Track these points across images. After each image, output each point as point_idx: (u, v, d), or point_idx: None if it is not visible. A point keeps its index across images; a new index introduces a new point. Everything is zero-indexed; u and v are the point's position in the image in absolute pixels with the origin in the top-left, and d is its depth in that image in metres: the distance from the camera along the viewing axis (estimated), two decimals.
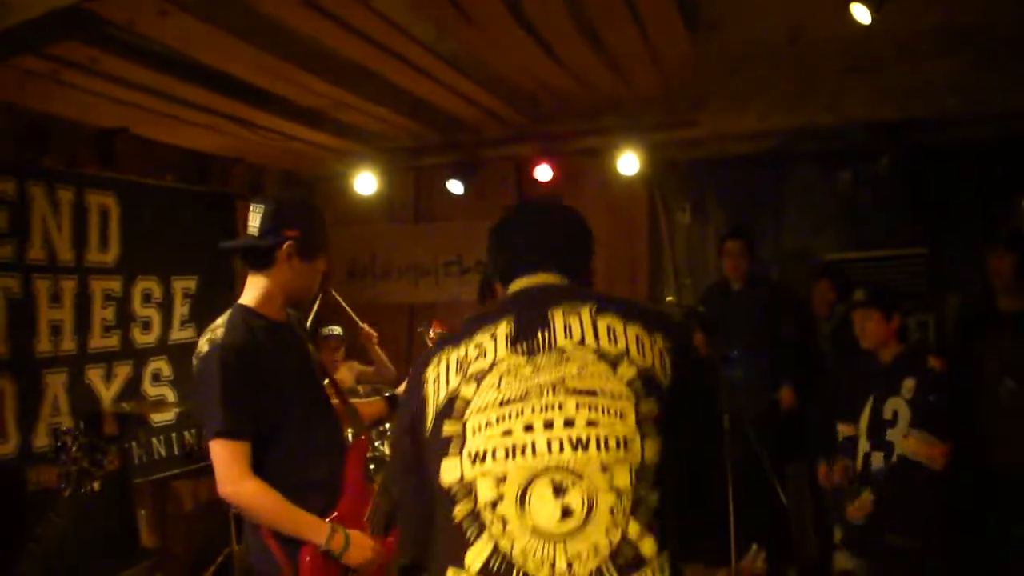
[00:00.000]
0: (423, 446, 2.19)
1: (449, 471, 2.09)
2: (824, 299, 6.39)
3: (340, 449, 3.31)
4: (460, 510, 2.06)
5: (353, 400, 3.74)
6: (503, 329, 2.22)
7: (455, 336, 2.29)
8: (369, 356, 7.01)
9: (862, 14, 4.56)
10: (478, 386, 2.14)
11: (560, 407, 2.06)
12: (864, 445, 4.59)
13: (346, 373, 6.99)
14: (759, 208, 7.33)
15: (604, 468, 2.00)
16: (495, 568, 1.99)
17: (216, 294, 6.53)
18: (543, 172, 7.23)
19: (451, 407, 2.15)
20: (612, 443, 2.02)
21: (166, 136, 6.33)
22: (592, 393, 2.07)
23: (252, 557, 3.12)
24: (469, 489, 2.06)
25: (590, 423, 2.04)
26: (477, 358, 2.19)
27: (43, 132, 5.60)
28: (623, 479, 2.00)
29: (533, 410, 2.07)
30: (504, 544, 2.00)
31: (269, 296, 3.18)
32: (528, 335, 2.18)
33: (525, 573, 1.97)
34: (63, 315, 5.58)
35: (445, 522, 2.09)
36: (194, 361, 3.07)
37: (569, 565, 1.95)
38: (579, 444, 2.02)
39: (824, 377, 5.54)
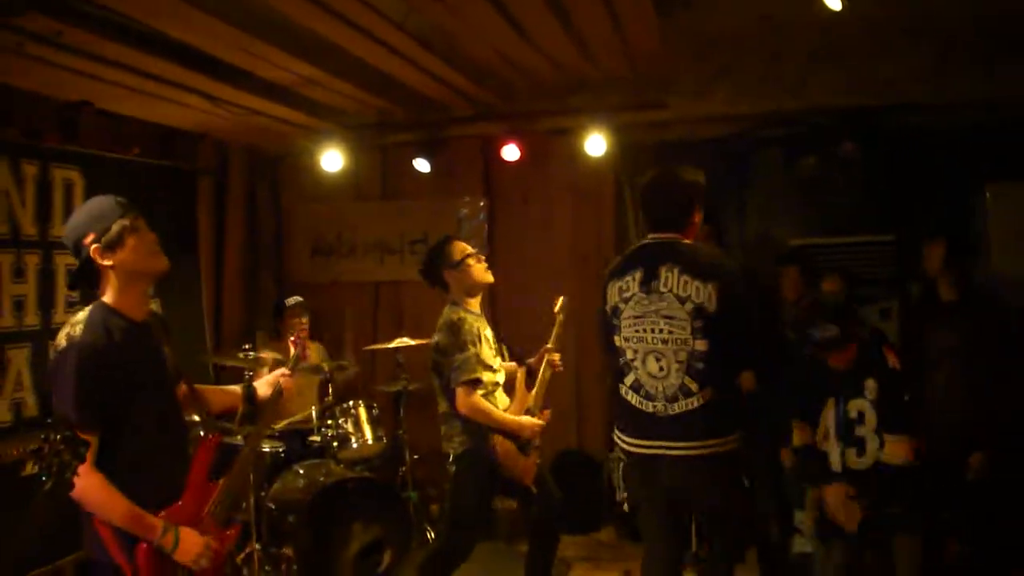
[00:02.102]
0: (610, 324, 4.20)
1: (616, 341, 4.18)
2: (793, 285, 6.41)
3: (185, 448, 3.47)
4: (622, 360, 4.15)
5: (209, 388, 3.94)
6: (637, 275, 4.09)
7: (619, 271, 4.19)
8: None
9: (833, 1, 4.60)
10: (625, 305, 4.12)
11: (656, 322, 4.01)
12: (836, 444, 4.63)
13: (313, 352, 6.94)
14: (725, 192, 7.35)
15: (675, 352, 3.97)
16: (635, 385, 4.11)
17: (180, 269, 6.49)
18: (510, 152, 7.23)
19: (616, 311, 4.16)
20: (678, 341, 3.96)
21: (131, 110, 6.27)
22: (671, 318, 3.98)
23: (89, 550, 3.22)
24: (623, 352, 4.14)
25: (669, 331, 3.98)
26: (625, 290, 4.13)
27: (6, 105, 5.53)
28: (683, 357, 3.96)
29: (646, 321, 4.04)
30: (641, 376, 4.08)
31: (120, 291, 3.26)
32: (647, 282, 4.05)
33: (646, 390, 4.06)
34: (26, 290, 5.53)
35: (616, 362, 4.21)
36: (51, 352, 3.20)
37: (662, 389, 4.01)
38: (664, 341, 3.99)
39: (787, 362, 5.58)
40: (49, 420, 2.54)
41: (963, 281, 5.13)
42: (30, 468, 5.13)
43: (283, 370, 3.96)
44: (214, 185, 7.73)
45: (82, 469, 2.48)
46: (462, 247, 5.10)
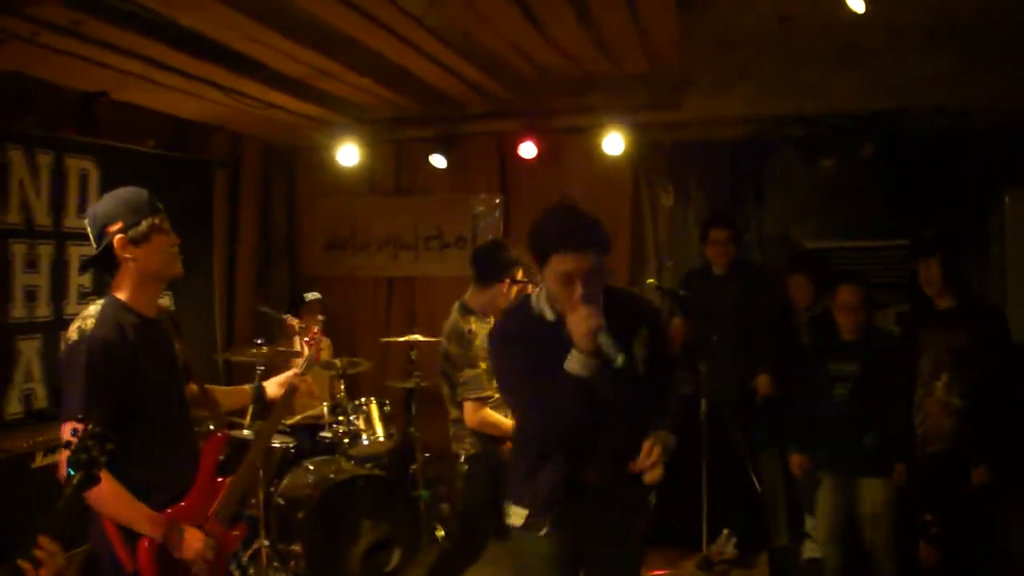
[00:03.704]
0: None
1: None
2: (801, 292, 6.35)
3: (194, 446, 3.45)
4: None
5: (219, 388, 3.92)
6: None
7: None
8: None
9: (856, 3, 4.55)
10: None
11: None
12: None
13: (324, 349, 6.94)
14: (742, 193, 7.31)
15: None
16: None
17: (194, 260, 6.43)
18: (527, 149, 7.19)
19: None
20: None
21: (147, 101, 6.25)
22: None
23: (94, 544, 3.21)
24: None
25: None
26: None
27: (23, 95, 5.51)
28: None
29: None
30: None
31: (135, 288, 3.24)
32: None
33: None
34: (39, 280, 5.50)
35: None
36: (62, 345, 3.17)
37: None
38: None
39: (802, 366, 5.54)
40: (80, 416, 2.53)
41: (960, 289, 5.02)
42: (40, 459, 5.12)
43: (295, 369, 3.95)
44: (228, 178, 7.70)
45: None
46: (520, 273, 4.99)
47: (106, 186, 5.83)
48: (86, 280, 5.75)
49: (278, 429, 5.78)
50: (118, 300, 3.22)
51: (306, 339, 4.25)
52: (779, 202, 7.31)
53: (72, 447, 2.42)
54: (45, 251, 5.54)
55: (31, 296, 5.46)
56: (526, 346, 3.30)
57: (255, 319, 7.81)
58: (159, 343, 3.34)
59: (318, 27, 5.03)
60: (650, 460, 3.15)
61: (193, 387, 3.61)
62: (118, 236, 3.15)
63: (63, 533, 2.41)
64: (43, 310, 5.53)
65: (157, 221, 3.22)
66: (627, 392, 3.24)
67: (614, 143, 6.82)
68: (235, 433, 5.25)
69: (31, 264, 5.45)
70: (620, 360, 2.99)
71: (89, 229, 3.24)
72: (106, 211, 3.23)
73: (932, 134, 6.65)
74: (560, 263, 3.14)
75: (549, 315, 3.30)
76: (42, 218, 5.52)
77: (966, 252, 5.56)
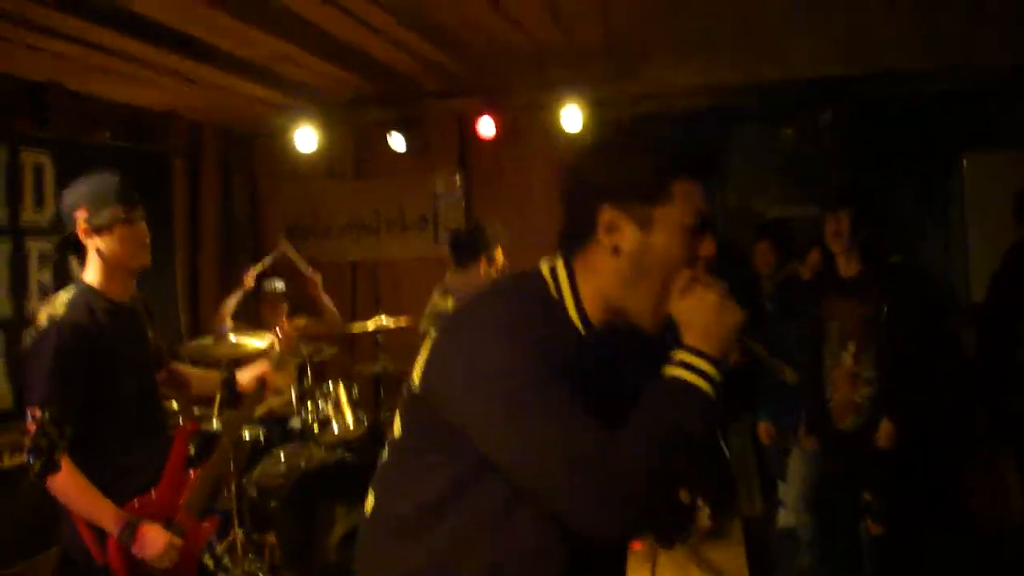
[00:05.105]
0: None
1: None
2: (765, 260, 6.37)
3: (163, 437, 3.43)
4: None
5: (191, 370, 3.97)
6: None
7: None
8: (316, 305, 6.95)
9: None
10: None
11: None
12: None
13: (291, 332, 6.90)
14: None
15: None
16: None
17: (156, 251, 6.36)
18: (486, 126, 7.17)
19: None
20: None
21: (101, 90, 6.17)
22: None
23: (65, 541, 3.20)
24: None
25: None
26: None
27: None
28: None
29: None
30: None
31: (103, 274, 3.24)
32: None
33: None
34: None
35: None
36: (31, 332, 3.16)
37: None
38: None
39: (767, 334, 5.54)
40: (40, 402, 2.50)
41: (867, 253, 4.76)
42: (7, 460, 5.06)
43: (266, 362, 3.91)
44: (188, 167, 7.62)
45: None
46: (499, 252, 4.96)
47: (62, 180, 5.75)
48: (46, 276, 5.67)
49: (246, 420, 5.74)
50: (89, 286, 3.21)
51: (276, 331, 4.14)
52: (741, 172, 7.33)
53: (31, 433, 2.38)
54: (3, 248, 5.46)
55: None
56: (560, 356, 1.87)
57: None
58: (131, 329, 3.33)
59: (272, 8, 4.97)
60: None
61: (163, 373, 3.60)
62: (82, 223, 3.14)
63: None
64: (3, 308, 5.46)
65: (121, 213, 3.19)
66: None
67: (572, 117, 6.80)
68: (204, 426, 5.22)
69: None
70: (790, 375, 2.18)
71: (62, 214, 3.24)
72: (72, 195, 3.23)
73: (890, 98, 6.68)
74: (691, 196, 1.93)
75: (578, 323, 1.97)
76: None
77: (907, 216, 5.50)
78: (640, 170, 1.92)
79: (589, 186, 1.95)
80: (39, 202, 5.67)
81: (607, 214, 1.89)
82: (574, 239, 1.97)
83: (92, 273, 3.23)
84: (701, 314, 1.88)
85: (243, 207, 8.33)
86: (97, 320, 3.13)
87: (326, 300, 6.91)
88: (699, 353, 1.85)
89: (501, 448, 1.85)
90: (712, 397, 1.82)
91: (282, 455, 5.89)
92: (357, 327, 6.65)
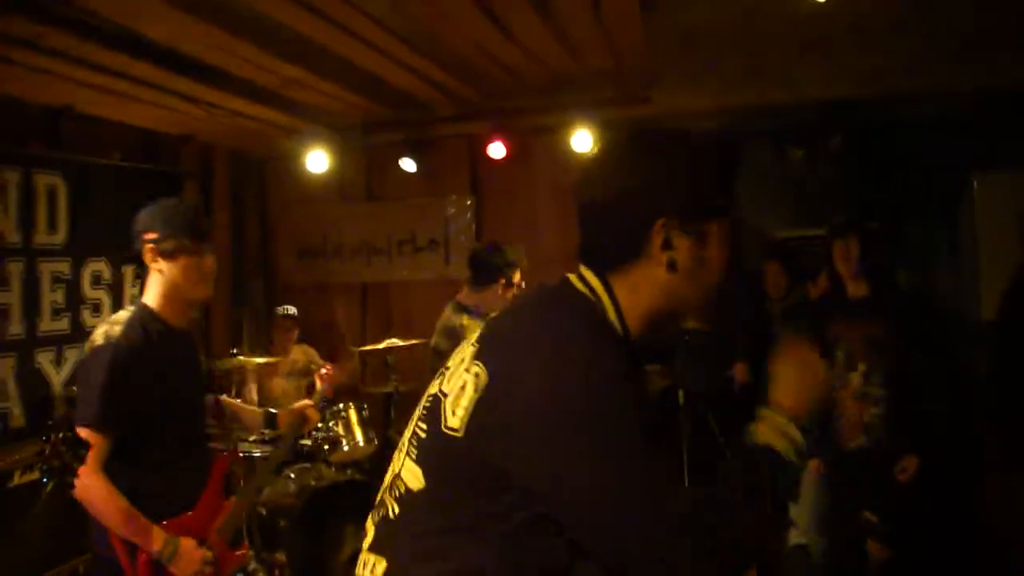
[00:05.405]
0: None
1: None
2: (775, 281, 6.38)
3: (206, 459, 3.47)
4: None
5: (237, 404, 4.06)
6: None
7: None
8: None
9: None
10: None
11: None
12: None
13: (299, 355, 6.99)
14: None
15: None
16: None
17: None
18: (496, 149, 7.21)
19: None
20: None
21: (114, 114, 6.21)
22: None
23: (96, 546, 3.21)
24: None
25: None
26: None
27: None
28: None
29: None
30: None
31: (162, 297, 3.29)
32: None
33: None
34: (11, 299, 5.46)
35: None
36: (86, 348, 3.19)
37: None
38: None
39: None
40: (50, 422, 2.52)
41: (875, 274, 4.78)
42: (18, 478, 5.08)
43: (308, 401, 4.01)
44: (199, 189, 7.67)
45: (84, 469, 2.47)
46: (517, 275, 4.99)
47: (75, 202, 5.81)
48: (59, 297, 5.72)
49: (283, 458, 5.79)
50: (148, 308, 3.27)
51: (321, 373, 4.25)
52: (750, 194, 7.33)
53: (44, 454, 2.41)
54: (15, 269, 5.49)
55: (3, 314, 5.41)
56: (636, 389, 1.81)
57: (232, 329, 7.80)
58: (184, 354, 3.40)
59: (285, 34, 5.01)
60: None
61: (209, 397, 3.67)
62: (149, 246, 3.21)
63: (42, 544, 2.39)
64: (15, 328, 5.48)
65: (190, 243, 3.25)
66: None
67: (583, 140, 6.82)
68: (243, 452, 5.37)
69: (2, 282, 5.41)
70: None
71: (134, 233, 3.29)
72: (145, 217, 3.29)
73: (900, 120, 6.70)
74: (734, 208, 1.90)
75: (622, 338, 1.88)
76: (11, 235, 5.47)
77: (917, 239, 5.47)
78: (707, 186, 1.87)
79: (642, 201, 1.84)
80: (52, 224, 5.71)
81: (663, 230, 1.82)
82: (615, 254, 1.89)
83: (152, 296, 3.28)
84: (788, 373, 1.98)
85: (254, 229, 8.37)
86: (151, 342, 3.18)
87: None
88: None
89: (573, 505, 1.69)
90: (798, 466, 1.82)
91: (292, 474, 5.91)
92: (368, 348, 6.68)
